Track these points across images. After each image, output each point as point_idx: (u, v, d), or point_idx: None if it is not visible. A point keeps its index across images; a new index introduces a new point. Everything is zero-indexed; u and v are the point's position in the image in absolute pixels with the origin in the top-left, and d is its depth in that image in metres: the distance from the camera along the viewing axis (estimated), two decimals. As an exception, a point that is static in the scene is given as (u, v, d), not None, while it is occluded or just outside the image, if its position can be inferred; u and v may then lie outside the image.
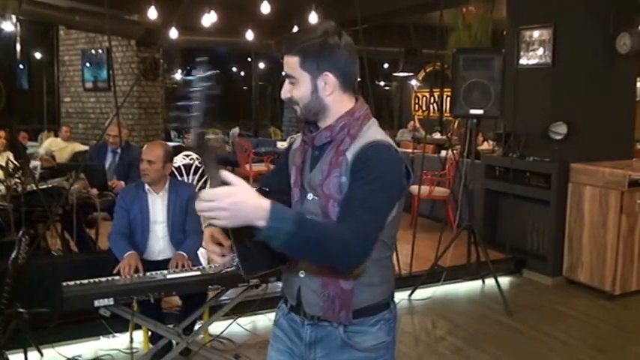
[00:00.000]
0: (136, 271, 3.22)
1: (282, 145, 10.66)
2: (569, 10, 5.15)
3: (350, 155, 1.56)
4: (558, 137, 5.12)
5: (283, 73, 1.62)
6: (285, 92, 1.64)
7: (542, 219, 5.37)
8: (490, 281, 4.94)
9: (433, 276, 4.92)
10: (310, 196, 1.62)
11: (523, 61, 5.45)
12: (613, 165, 4.91)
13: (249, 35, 9.42)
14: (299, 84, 1.60)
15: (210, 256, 1.58)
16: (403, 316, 4.53)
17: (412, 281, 4.90)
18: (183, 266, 3.32)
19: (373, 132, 1.61)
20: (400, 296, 4.82)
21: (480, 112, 4.68)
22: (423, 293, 4.88)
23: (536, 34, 5.34)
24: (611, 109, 5.26)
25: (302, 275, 1.64)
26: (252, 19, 8.84)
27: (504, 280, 5.21)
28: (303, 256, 1.52)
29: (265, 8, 7.53)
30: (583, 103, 5.18)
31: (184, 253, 3.42)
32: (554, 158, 5.12)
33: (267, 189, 1.61)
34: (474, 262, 5.08)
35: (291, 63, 1.59)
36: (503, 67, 4.70)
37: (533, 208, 5.45)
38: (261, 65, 14.73)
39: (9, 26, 6.22)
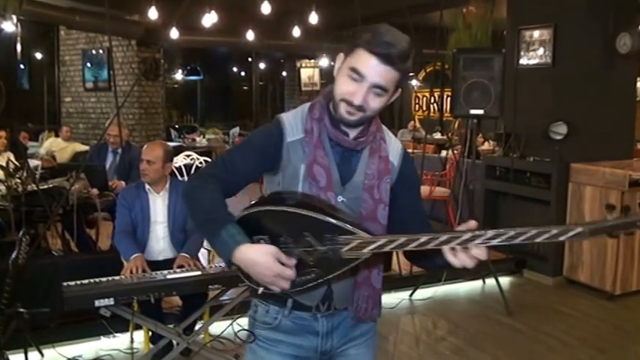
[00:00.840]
0: (144, 271, 3.22)
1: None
2: (569, 10, 5.15)
3: (395, 162, 1.68)
4: (558, 137, 5.12)
5: (374, 82, 1.51)
6: (367, 101, 1.53)
7: (543, 219, 5.36)
8: (490, 281, 4.94)
9: (433, 276, 4.92)
10: (340, 198, 1.59)
11: (523, 61, 5.45)
12: (613, 165, 4.91)
13: (250, 35, 9.42)
14: (383, 96, 1.55)
15: (273, 282, 1.47)
16: (403, 317, 4.53)
17: (413, 281, 4.90)
18: (189, 266, 3.31)
19: (391, 134, 1.72)
20: (401, 296, 4.83)
21: (481, 112, 4.68)
22: (423, 293, 4.88)
23: (536, 34, 5.34)
24: (612, 109, 5.26)
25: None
26: (252, 19, 8.84)
27: (505, 280, 5.21)
28: None
29: (266, 8, 7.53)
30: (583, 103, 5.18)
31: (187, 255, 3.41)
32: (554, 158, 5.12)
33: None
34: (474, 262, 5.06)
35: (392, 77, 1.52)
36: (503, 67, 4.70)
37: (533, 209, 5.45)
38: (262, 65, 14.74)
39: (10, 26, 6.22)
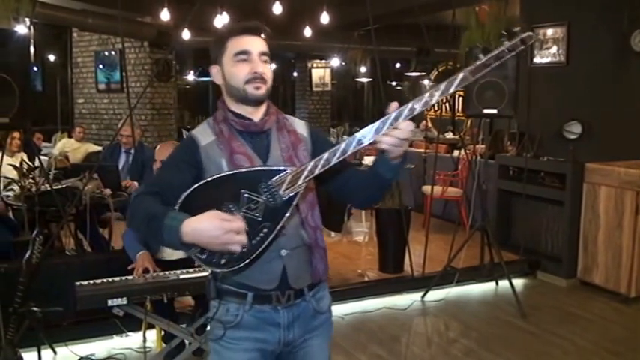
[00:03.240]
0: (147, 271, 3.22)
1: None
2: (582, 8, 5.11)
3: (304, 133, 1.84)
4: (573, 137, 5.08)
5: (259, 50, 1.74)
6: (264, 70, 1.74)
7: (557, 220, 5.32)
8: (504, 283, 4.90)
9: (446, 277, 4.89)
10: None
11: (537, 59, 5.41)
12: (628, 165, 4.85)
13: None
14: (269, 63, 1.78)
15: (229, 240, 1.52)
16: (415, 318, 4.51)
17: (425, 282, 4.88)
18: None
19: (290, 116, 1.90)
20: (413, 297, 4.80)
21: (494, 111, 4.64)
22: (435, 295, 4.85)
23: (549, 32, 5.30)
24: (626, 108, 5.20)
25: (284, 254, 1.71)
26: (263, 19, 8.84)
27: (518, 282, 5.17)
28: None
29: (277, 9, 7.53)
30: (597, 102, 5.13)
31: None
32: (568, 158, 5.08)
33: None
34: (487, 264, 5.04)
35: (265, 45, 1.77)
36: (517, 66, 4.66)
37: (547, 209, 5.41)
38: (273, 65, 14.72)
39: (23, 29, 6.26)
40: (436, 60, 12.52)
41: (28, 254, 3.13)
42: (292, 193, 1.56)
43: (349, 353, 3.85)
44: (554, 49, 5.29)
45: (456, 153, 7.59)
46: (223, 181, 1.59)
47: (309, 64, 13.15)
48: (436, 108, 14.30)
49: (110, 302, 2.92)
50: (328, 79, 13.19)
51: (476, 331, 4.26)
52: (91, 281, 3.01)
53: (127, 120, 5.15)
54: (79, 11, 8.56)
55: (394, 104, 1.53)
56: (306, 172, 1.54)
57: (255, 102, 1.75)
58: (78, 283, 2.99)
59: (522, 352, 3.93)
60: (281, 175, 1.56)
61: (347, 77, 14.05)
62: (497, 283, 5.13)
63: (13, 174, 4.60)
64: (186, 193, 1.60)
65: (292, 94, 14.50)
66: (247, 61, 1.72)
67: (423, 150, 8.30)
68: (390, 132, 1.52)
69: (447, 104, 13.18)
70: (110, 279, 3.05)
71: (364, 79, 13.72)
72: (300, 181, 1.55)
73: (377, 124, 1.51)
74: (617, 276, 4.82)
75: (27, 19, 6.49)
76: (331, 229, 6.46)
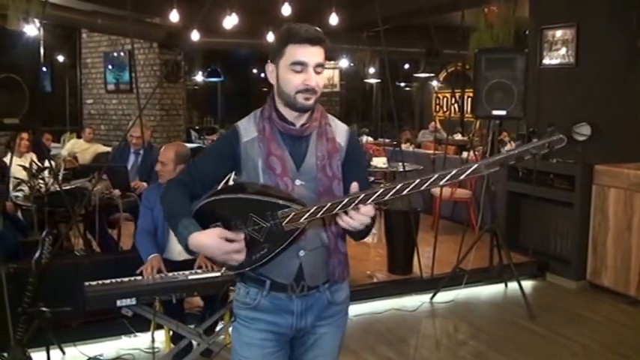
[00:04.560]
0: (159, 272, 3.23)
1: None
2: (592, 10, 5.08)
3: (342, 142, 1.87)
4: (582, 138, 5.04)
5: (316, 62, 1.75)
6: (317, 82, 1.76)
7: (566, 222, 5.29)
8: (513, 285, 4.88)
9: (455, 279, 4.87)
10: (298, 182, 1.79)
11: (546, 61, 5.38)
12: (638, 167, 4.82)
13: (270, 37, 9.43)
14: (322, 73, 1.79)
15: (226, 259, 1.70)
16: (424, 320, 4.50)
17: (434, 284, 4.86)
18: (207, 267, 3.31)
19: (337, 120, 1.92)
20: (422, 299, 4.79)
21: (503, 112, 4.62)
22: (444, 296, 4.83)
23: (558, 33, 5.27)
24: (636, 110, 5.17)
25: (302, 254, 1.80)
26: (272, 20, 8.85)
27: (527, 284, 5.14)
28: None
29: (286, 10, 7.53)
30: (607, 104, 5.10)
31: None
32: (577, 160, 5.05)
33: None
34: (496, 265, 5.01)
35: (323, 54, 1.77)
36: (526, 68, 4.64)
37: (556, 211, 5.38)
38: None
39: (33, 30, 6.30)
40: (445, 61, 12.49)
41: (37, 254, 3.14)
42: (293, 227, 1.66)
43: (357, 354, 3.85)
44: (563, 51, 5.27)
45: (464, 154, 7.56)
46: (238, 200, 1.71)
47: (318, 65, 13.12)
48: (445, 109, 14.31)
49: (119, 303, 2.93)
50: (337, 80, 13.18)
51: (485, 333, 4.24)
52: (100, 282, 3.02)
53: (137, 121, 5.17)
54: (89, 12, 8.60)
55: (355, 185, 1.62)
56: (307, 215, 1.62)
57: (303, 111, 1.79)
58: (87, 283, 3.00)
59: (531, 355, 3.90)
60: (286, 210, 1.65)
61: (356, 78, 14.03)
62: (506, 285, 5.11)
63: (23, 174, 4.63)
64: (205, 201, 1.74)
65: (301, 94, 14.49)
66: (302, 72, 1.74)
67: (431, 151, 8.29)
68: (352, 214, 1.59)
69: (455, 105, 13.15)
70: (119, 279, 3.06)
71: (373, 81, 13.70)
72: (301, 220, 1.64)
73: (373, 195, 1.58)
74: (626, 278, 4.78)
75: (37, 20, 6.54)
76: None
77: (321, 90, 1.79)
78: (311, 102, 1.76)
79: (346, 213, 1.60)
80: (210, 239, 1.67)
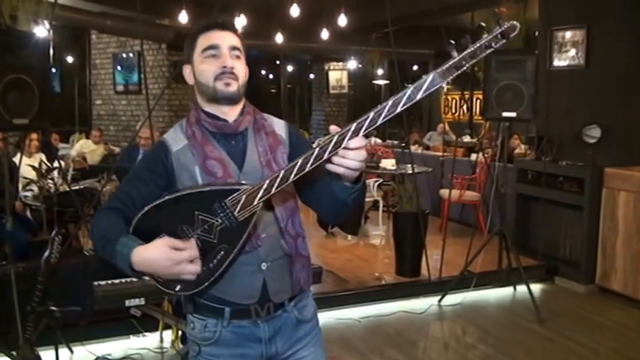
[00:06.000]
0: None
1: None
2: (602, 11, 5.05)
3: (283, 134, 1.72)
4: (592, 141, 5.01)
5: (229, 44, 1.63)
6: (234, 65, 1.62)
7: (575, 225, 5.26)
8: (521, 288, 4.85)
9: (463, 282, 4.85)
10: (245, 181, 1.56)
11: (556, 62, 5.36)
12: (649, 170, 4.79)
13: (279, 38, 9.45)
14: (242, 58, 1.66)
15: (180, 271, 1.46)
16: (432, 322, 4.48)
17: (442, 287, 4.84)
18: None
19: (271, 116, 1.77)
20: (429, 302, 4.77)
21: (513, 114, 4.60)
22: (452, 299, 4.81)
23: (568, 34, 5.24)
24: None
25: (264, 267, 1.61)
26: (281, 22, 8.86)
27: (536, 287, 5.11)
28: None
29: (294, 11, 7.54)
30: (617, 106, 5.06)
31: None
32: (587, 162, 5.02)
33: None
34: (505, 269, 4.99)
35: (237, 40, 1.66)
36: (536, 69, 4.61)
37: (566, 214, 5.35)
38: (290, 68, 14.75)
39: (42, 31, 6.34)
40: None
41: (46, 254, 3.15)
42: (248, 214, 1.47)
43: (365, 356, 3.84)
44: (573, 52, 5.24)
45: (473, 156, 7.54)
46: (177, 201, 1.51)
47: (326, 67, 13.14)
48: (454, 111, 14.27)
49: (128, 302, 2.93)
50: (345, 82, 13.18)
51: (493, 336, 4.21)
52: (109, 281, 3.03)
53: (146, 122, 5.19)
54: (98, 13, 8.64)
55: (333, 127, 1.42)
56: (261, 192, 1.44)
57: (227, 100, 1.63)
58: (96, 283, 3.01)
59: (540, 359, 3.88)
60: (235, 195, 1.46)
61: (364, 79, 14.03)
62: (514, 288, 5.08)
63: (32, 174, 4.65)
64: (138, 216, 1.53)
65: (309, 96, 14.52)
66: (216, 56, 1.61)
67: (440, 153, 8.26)
68: (340, 152, 1.39)
69: (464, 107, 13.10)
70: (128, 279, 3.06)
71: (381, 82, 13.69)
72: (255, 201, 1.45)
73: (335, 136, 1.39)
74: (635, 282, 4.74)
75: (46, 22, 6.57)
76: (348, 232, 6.45)
77: (243, 77, 1.64)
78: (232, 88, 1.60)
79: (330, 160, 1.40)
80: (157, 251, 1.44)
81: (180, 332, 3.55)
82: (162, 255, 1.43)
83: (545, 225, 5.47)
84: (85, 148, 8.06)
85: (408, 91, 1.36)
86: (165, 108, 9.89)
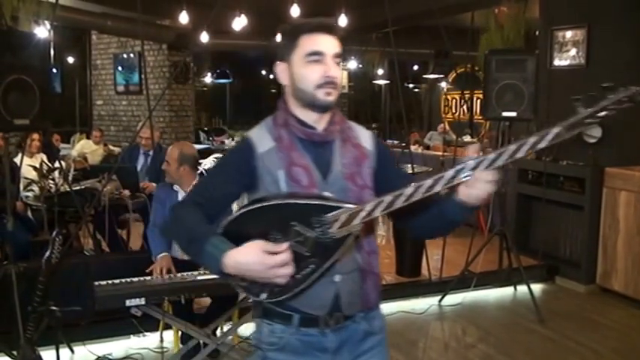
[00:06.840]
0: (168, 272, 3.24)
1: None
2: (602, 11, 5.05)
3: (368, 146, 1.68)
4: (592, 141, 5.01)
5: (335, 52, 1.58)
6: (336, 73, 1.58)
7: (576, 225, 5.26)
8: (522, 288, 4.86)
9: (463, 282, 4.85)
10: (326, 194, 1.53)
11: (556, 62, 5.36)
12: (650, 170, 4.79)
13: (279, 38, 9.44)
14: (340, 65, 1.62)
15: (273, 275, 1.45)
16: (432, 322, 4.48)
17: (442, 287, 4.85)
18: None
19: (356, 124, 1.73)
20: (430, 302, 4.77)
21: (513, 114, 4.60)
22: (453, 299, 4.81)
23: (569, 34, 5.25)
24: (648, 112, 5.12)
25: (338, 280, 1.58)
26: (282, 22, 8.87)
27: (536, 287, 5.10)
28: None
29: (295, 11, 7.54)
30: (618, 106, 5.06)
31: None
32: (588, 162, 5.02)
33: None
34: (505, 268, 4.99)
35: (339, 45, 1.60)
36: (536, 69, 4.61)
37: (566, 214, 5.35)
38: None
39: (43, 32, 6.34)
40: (454, 62, 12.46)
41: (47, 254, 3.15)
42: (345, 233, 1.43)
43: (365, 357, 3.83)
44: (573, 52, 5.24)
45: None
46: (273, 208, 1.47)
47: (326, 67, 13.13)
48: (454, 110, 14.27)
49: (128, 302, 2.94)
50: (345, 82, 13.18)
51: (493, 336, 4.22)
52: (110, 281, 3.03)
53: (146, 122, 5.19)
54: (99, 14, 8.64)
55: (475, 146, 1.45)
56: (363, 214, 1.42)
57: (324, 109, 1.59)
58: (96, 283, 3.02)
59: (540, 359, 3.88)
60: (336, 212, 1.42)
61: (364, 79, 14.03)
62: (515, 288, 5.08)
63: (33, 174, 4.65)
64: (231, 218, 1.50)
65: (309, 96, 14.51)
66: (320, 63, 1.55)
67: (440, 153, 8.26)
68: (469, 183, 1.42)
69: (464, 106, 13.11)
70: (128, 279, 3.07)
71: (381, 82, 13.70)
72: (355, 221, 1.42)
73: (471, 162, 1.40)
74: (636, 282, 4.74)
75: (47, 22, 6.57)
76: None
77: (340, 83, 1.59)
78: (332, 97, 1.57)
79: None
80: (251, 254, 1.41)
81: (180, 332, 3.56)
82: (256, 258, 1.41)
83: (545, 225, 5.47)
84: (86, 148, 8.06)
85: (531, 139, 1.42)
86: (165, 108, 9.90)
